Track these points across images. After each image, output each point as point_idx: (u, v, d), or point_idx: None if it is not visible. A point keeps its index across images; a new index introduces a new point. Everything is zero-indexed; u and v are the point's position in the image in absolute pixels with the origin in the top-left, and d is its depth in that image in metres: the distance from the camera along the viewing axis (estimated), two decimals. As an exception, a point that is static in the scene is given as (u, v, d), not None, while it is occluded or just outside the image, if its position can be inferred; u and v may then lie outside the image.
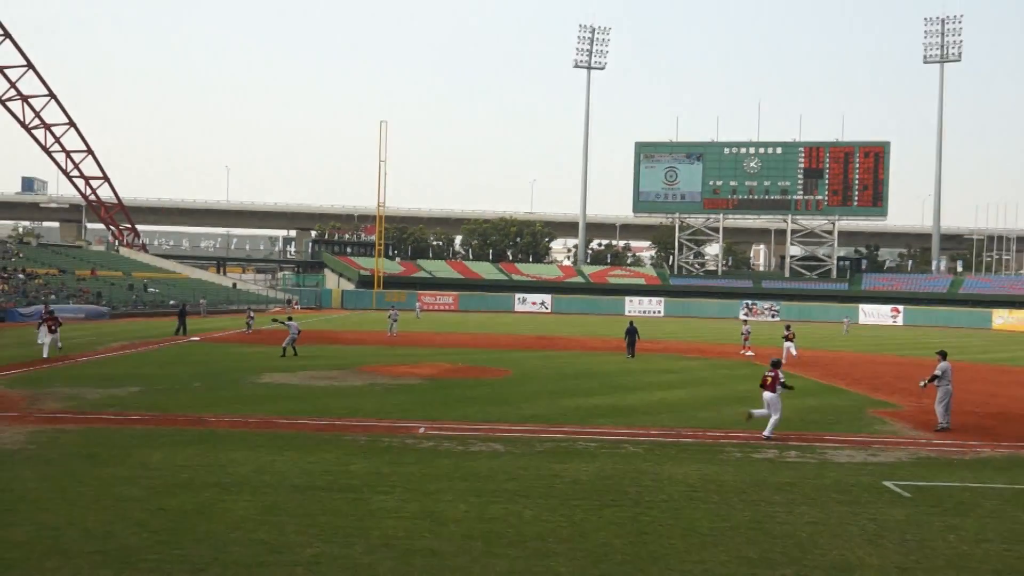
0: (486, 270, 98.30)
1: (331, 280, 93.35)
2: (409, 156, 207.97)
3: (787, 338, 34.49)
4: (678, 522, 9.91)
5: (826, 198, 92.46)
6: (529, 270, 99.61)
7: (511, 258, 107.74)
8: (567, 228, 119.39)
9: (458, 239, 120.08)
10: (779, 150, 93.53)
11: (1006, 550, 9.19)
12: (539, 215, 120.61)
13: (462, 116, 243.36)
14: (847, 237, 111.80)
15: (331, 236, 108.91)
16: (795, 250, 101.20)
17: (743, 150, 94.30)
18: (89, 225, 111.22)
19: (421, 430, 15.74)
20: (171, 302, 52.16)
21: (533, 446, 14.44)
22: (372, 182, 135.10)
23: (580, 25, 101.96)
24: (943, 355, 17.85)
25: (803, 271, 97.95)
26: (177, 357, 29.61)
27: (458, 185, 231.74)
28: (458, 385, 22.99)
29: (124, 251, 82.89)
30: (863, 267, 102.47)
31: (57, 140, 75.18)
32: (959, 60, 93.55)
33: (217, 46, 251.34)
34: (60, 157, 76.48)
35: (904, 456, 14.54)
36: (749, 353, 35.96)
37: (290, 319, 31.65)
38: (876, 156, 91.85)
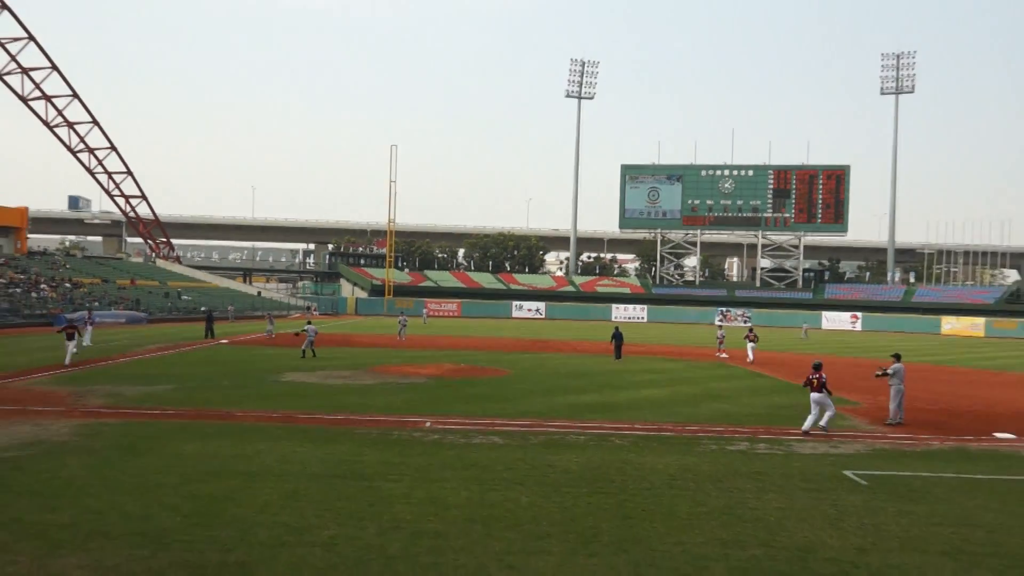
0: (486, 280, 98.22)
1: (346, 289, 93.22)
2: (417, 177, 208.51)
3: (748, 339, 34.53)
4: (659, 507, 9.92)
5: (793, 216, 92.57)
6: (525, 280, 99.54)
7: (509, 269, 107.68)
8: (560, 242, 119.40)
9: (461, 252, 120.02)
10: (750, 172, 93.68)
11: (953, 533, 9.21)
12: (534, 230, 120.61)
13: (466, 140, 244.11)
14: (811, 251, 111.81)
15: (346, 249, 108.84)
16: (765, 262, 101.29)
17: (718, 172, 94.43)
18: (129, 239, 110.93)
19: (427, 424, 15.74)
20: (202, 308, 52.08)
21: (528, 439, 14.44)
22: (384, 200, 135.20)
23: (571, 59, 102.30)
24: (897, 357, 17.93)
25: (772, 281, 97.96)
26: (207, 358, 29.57)
27: (461, 203, 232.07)
28: (461, 384, 22.97)
29: (160, 262, 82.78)
30: (826, 278, 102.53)
31: (100, 163, 75.17)
32: (912, 92, 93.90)
33: (244, 81, 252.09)
34: (103, 178, 76.49)
35: (862, 448, 14.56)
36: (724, 355, 35.98)
37: (309, 323, 31.64)
38: (837, 178, 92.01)
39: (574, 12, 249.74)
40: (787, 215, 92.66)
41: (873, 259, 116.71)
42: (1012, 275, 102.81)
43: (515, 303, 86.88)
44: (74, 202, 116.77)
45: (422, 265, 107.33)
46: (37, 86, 66.53)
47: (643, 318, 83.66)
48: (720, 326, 46.84)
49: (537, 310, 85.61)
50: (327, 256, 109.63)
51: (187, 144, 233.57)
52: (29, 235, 73.70)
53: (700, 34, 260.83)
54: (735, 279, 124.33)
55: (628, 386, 23.26)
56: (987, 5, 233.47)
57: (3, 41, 62.49)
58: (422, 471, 11.58)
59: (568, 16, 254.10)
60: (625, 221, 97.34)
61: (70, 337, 26.22)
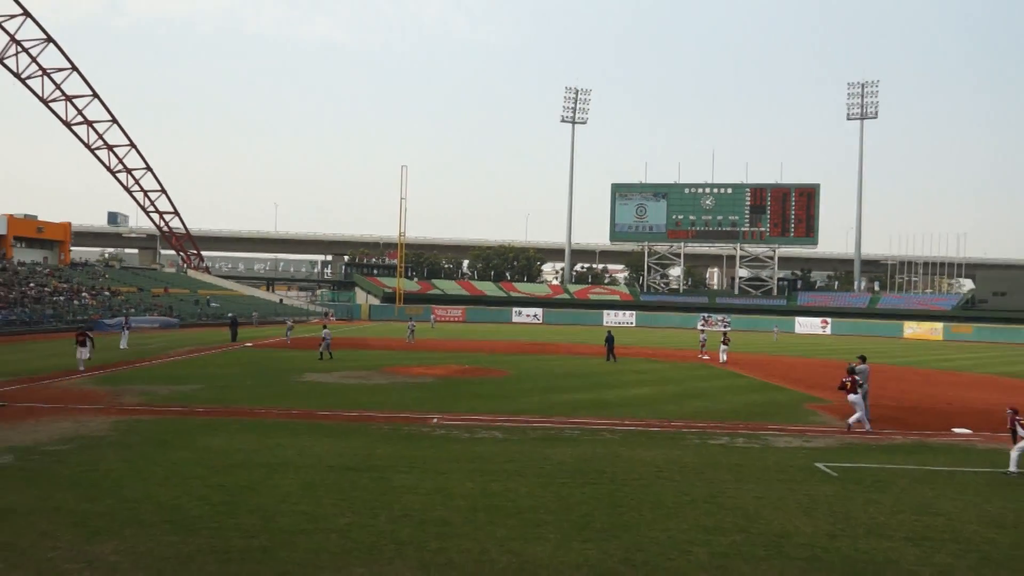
0: (489, 288, 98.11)
1: (360, 296, 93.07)
2: (425, 193, 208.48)
3: (724, 342, 34.48)
4: (647, 497, 9.89)
5: (768, 230, 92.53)
6: (524, 288, 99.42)
7: (509, 278, 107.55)
8: (555, 254, 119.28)
9: (465, 262, 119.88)
10: (729, 190, 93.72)
11: (915, 520, 9.18)
12: (532, 243, 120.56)
13: (470, 161, 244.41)
14: (785, 262, 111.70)
15: (361, 260, 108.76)
16: (743, 272, 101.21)
17: (700, 190, 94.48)
18: (162, 251, 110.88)
19: (435, 420, 15.70)
20: (228, 314, 52.05)
21: (527, 433, 14.40)
22: (395, 216, 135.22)
23: (566, 87, 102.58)
24: (863, 359, 17.86)
25: (750, 289, 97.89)
26: (233, 360, 29.50)
27: (465, 217, 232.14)
28: (466, 383, 22.92)
29: (191, 273, 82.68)
30: (798, 286, 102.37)
31: (137, 182, 75.17)
32: (876, 117, 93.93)
33: (269, 108, 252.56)
34: (139, 196, 76.44)
35: (832, 442, 14.52)
36: (705, 357, 35.91)
37: (325, 327, 31.59)
38: (808, 195, 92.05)
39: (568, 46, 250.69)
40: (763, 229, 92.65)
41: (841, 269, 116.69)
42: (967, 284, 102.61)
43: (515, 309, 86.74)
44: (113, 218, 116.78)
45: (430, 274, 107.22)
46: (80, 112, 66.63)
47: (632, 323, 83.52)
48: (702, 330, 46.71)
49: (535, 316, 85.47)
50: (343, 267, 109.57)
51: (216, 165, 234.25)
52: (72, 248, 73.65)
53: (683, 64, 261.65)
54: (716, 287, 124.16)
55: (618, 385, 23.20)
56: (942, 42, 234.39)
57: (49, 71, 62.65)
58: (430, 463, 11.55)
59: (563, 49, 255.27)
60: (615, 234, 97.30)
61: (82, 344, 23.69)
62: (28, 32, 59.30)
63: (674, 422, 16.29)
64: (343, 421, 15.44)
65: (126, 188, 74.86)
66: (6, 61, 59.28)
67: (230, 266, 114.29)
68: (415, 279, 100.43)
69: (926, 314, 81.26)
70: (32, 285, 51.85)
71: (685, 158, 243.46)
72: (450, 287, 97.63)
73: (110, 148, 70.90)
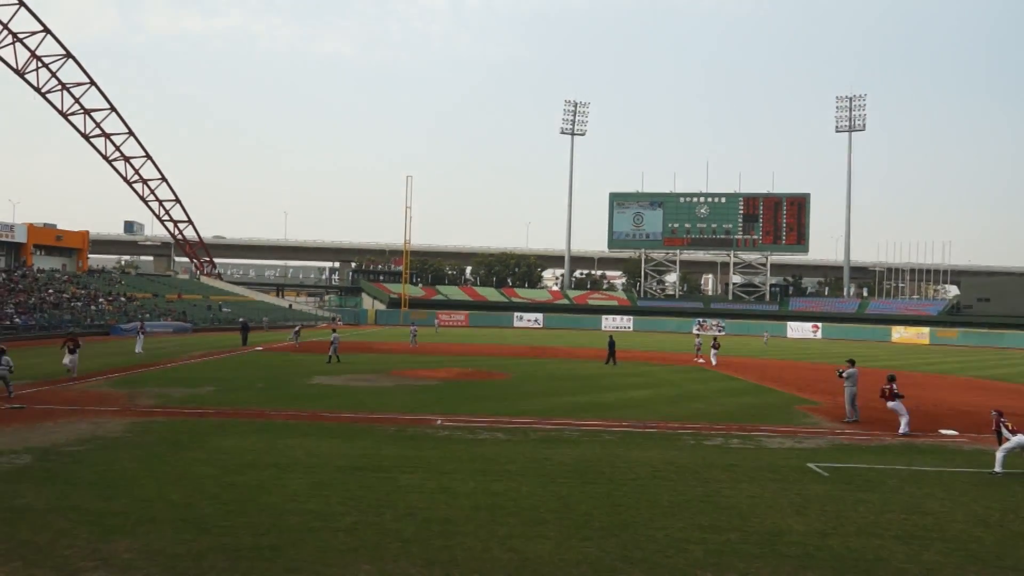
0: (491, 294, 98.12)
1: (367, 302, 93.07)
2: (430, 202, 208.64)
3: (713, 346, 34.53)
4: (645, 496, 9.86)
5: (760, 237, 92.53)
6: (525, 294, 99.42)
7: (511, 284, 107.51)
8: (555, 260, 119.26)
9: (468, 269, 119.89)
10: (723, 199, 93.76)
11: (904, 519, 9.14)
12: (533, 250, 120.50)
13: (473, 171, 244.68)
14: (777, 268, 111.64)
15: (367, 267, 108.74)
16: (736, 279, 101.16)
17: (695, 199, 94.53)
18: (176, 259, 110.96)
19: (438, 422, 15.67)
20: (239, 319, 52.05)
21: (528, 435, 14.37)
22: (400, 224, 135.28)
23: (565, 101, 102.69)
24: (852, 362, 17.84)
25: (743, 295, 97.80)
26: (244, 364, 29.47)
27: (469, 226, 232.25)
28: (469, 386, 22.89)
29: (204, 279, 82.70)
30: (790, 292, 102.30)
31: (152, 192, 75.26)
32: (863, 129, 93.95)
33: (276, 118, 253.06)
34: (154, 205, 76.53)
35: (824, 443, 14.48)
36: (700, 360, 35.84)
37: (334, 331, 31.57)
38: (799, 204, 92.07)
39: (568, 60, 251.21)
40: (755, 237, 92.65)
41: (831, 276, 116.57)
42: (952, 290, 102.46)
43: (516, 314, 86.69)
44: (129, 226, 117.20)
45: (434, 281, 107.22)
46: (98, 125, 66.76)
47: (629, 327, 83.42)
48: (697, 335, 46.69)
49: (536, 321, 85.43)
50: (350, 273, 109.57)
51: (228, 175, 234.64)
52: (89, 255, 73.81)
53: (678, 78, 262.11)
54: (710, 293, 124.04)
55: (616, 388, 23.15)
56: (928, 57, 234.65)
57: (68, 86, 62.85)
58: (434, 464, 11.52)
59: (562, 64, 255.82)
60: (613, 242, 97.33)
61: (71, 351, 21.72)
62: (48, 48, 59.62)
63: (671, 424, 16.24)
64: (350, 422, 15.41)
65: (141, 198, 74.98)
66: (27, 76, 59.50)
67: (241, 273, 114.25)
68: (420, 285, 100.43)
69: (913, 319, 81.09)
70: (51, 291, 51.90)
71: (680, 169, 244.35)
72: (454, 293, 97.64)
73: (127, 159, 71.04)
